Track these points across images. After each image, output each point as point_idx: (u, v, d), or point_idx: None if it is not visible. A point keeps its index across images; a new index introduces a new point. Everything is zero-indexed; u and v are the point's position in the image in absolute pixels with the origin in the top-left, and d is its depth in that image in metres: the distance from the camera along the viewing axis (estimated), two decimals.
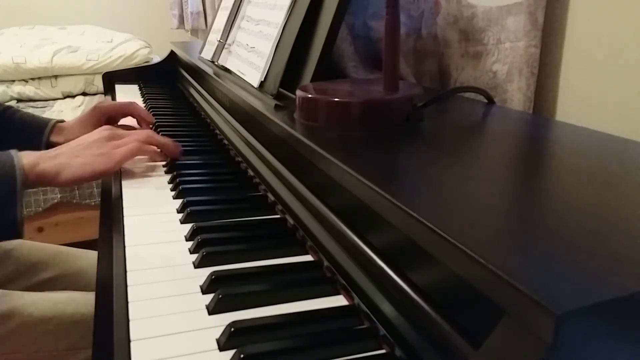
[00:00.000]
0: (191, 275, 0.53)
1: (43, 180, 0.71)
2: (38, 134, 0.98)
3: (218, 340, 0.42)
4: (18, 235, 0.66)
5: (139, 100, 1.39)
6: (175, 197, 0.73)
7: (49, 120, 1.01)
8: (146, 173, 0.83)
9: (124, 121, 1.12)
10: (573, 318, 0.24)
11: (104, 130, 0.79)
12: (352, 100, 0.62)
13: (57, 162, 0.72)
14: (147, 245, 0.59)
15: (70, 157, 0.73)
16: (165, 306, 0.48)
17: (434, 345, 0.36)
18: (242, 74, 0.88)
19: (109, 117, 1.10)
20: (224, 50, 1.04)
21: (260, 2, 0.92)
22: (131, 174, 0.82)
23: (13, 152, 0.70)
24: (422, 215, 0.35)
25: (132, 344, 0.42)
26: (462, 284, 0.31)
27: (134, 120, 1.11)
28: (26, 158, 0.69)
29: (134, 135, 0.80)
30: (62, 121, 1.03)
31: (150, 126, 1.10)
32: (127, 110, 1.10)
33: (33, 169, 0.69)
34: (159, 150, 0.85)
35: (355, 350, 0.41)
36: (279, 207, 0.66)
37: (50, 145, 1.01)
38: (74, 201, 2.02)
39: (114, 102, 1.15)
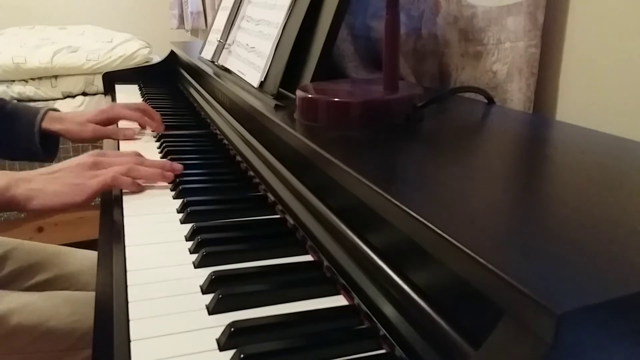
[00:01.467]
0: (191, 275, 0.53)
1: (12, 206, 0.68)
2: (30, 121, 0.97)
3: (218, 340, 0.42)
4: None
5: (139, 100, 1.39)
6: (175, 197, 0.73)
7: (41, 107, 1.01)
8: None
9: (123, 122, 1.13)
10: (573, 318, 0.24)
11: (89, 157, 0.75)
12: (352, 100, 0.62)
13: (30, 187, 0.68)
14: (147, 245, 0.59)
15: (45, 183, 0.69)
16: (165, 306, 0.47)
17: (434, 345, 0.36)
18: (242, 74, 0.88)
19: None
20: (224, 50, 1.04)
21: (260, 2, 0.92)
22: None
23: None
24: (422, 215, 0.35)
25: (132, 344, 0.42)
26: (462, 284, 0.31)
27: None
28: (1, 179, 0.66)
29: (115, 167, 0.74)
30: (55, 109, 1.02)
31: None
32: (138, 119, 1.08)
33: (3, 193, 0.66)
34: (138, 182, 0.75)
35: (355, 350, 0.41)
36: (279, 207, 0.66)
37: (44, 132, 0.99)
38: None
39: (129, 109, 1.09)
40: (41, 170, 0.72)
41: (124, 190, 0.74)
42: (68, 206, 0.70)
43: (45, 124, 0.98)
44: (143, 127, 1.09)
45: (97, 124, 1.04)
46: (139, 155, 0.79)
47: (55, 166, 0.74)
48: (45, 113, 0.98)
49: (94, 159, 0.75)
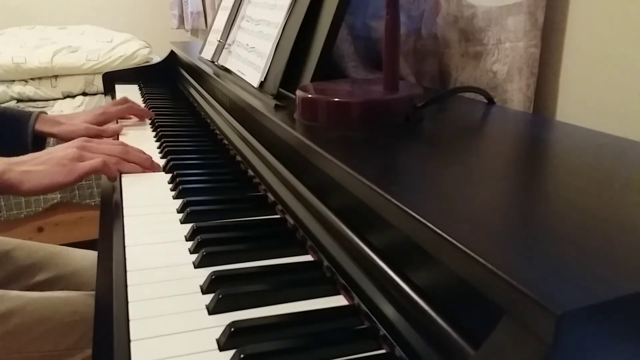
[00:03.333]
0: (191, 275, 0.53)
1: (9, 190, 0.71)
2: (23, 124, 0.99)
3: (218, 340, 0.42)
4: None
5: (139, 100, 1.39)
6: (175, 197, 0.73)
7: (32, 111, 1.03)
8: (146, 173, 0.83)
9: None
10: (573, 318, 0.24)
11: (76, 141, 0.80)
12: (352, 100, 0.62)
13: (22, 170, 0.72)
14: (147, 245, 0.59)
15: (35, 165, 0.74)
16: (165, 306, 0.47)
17: (434, 345, 0.36)
18: (242, 74, 0.88)
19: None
20: (224, 50, 1.04)
21: (260, 2, 0.92)
22: (131, 174, 0.82)
23: None
24: (422, 215, 0.35)
25: (132, 344, 0.42)
26: (462, 284, 0.31)
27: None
28: None
29: (104, 152, 0.80)
30: (45, 113, 1.04)
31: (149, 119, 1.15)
32: (126, 113, 1.12)
33: (1, 177, 0.70)
34: (116, 172, 0.81)
35: (355, 350, 0.41)
36: (279, 207, 0.66)
37: (37, 134, 1.02)
38: (74, 201, 2.02)
39: (116, 106, 1.15)
40: (32, 155, 0.77)
41: (123, 189, 0.74)
42: (57, 186, 0.74)
43: (38, 127, 1.01)
44: (141, 118, 1.16)
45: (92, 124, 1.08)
46: (124, 145, 0.85)
47: (44, 151, 0.78)
48: (38, 116, 1.00)
49: (81, 142, 0.80)
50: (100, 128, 1.07)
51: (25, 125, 0.99)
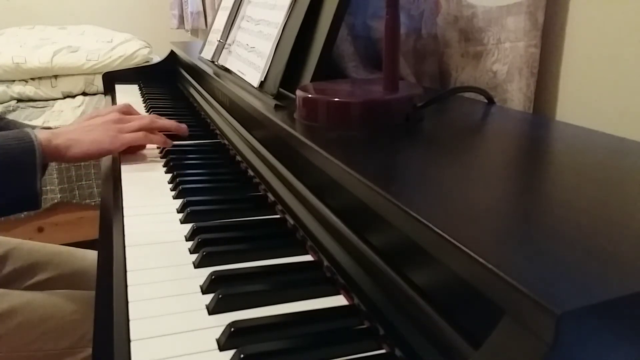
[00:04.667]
0: (191, 275, 0.53)
1: (55, 155, 0.77)
2: None
3: (218, 340, 0.42)
4: (37, 205, 0.72)
5: (139, 100, 1.39)
6: (175, 197, 0.73)
7: (35, 126, 1.02)
8: (146, 173, 0.83)
9: None
10: (574, 318, 0.24)
11: (112, 114, 0.86)
12: (352, 100, 0.62)
13: (68, 137, 0.78)
14: (147, 245, 0.59)
15: (80, 134, 0.80)
16: (165, 306, 0.48)
17: (434, 345, 0.36)
18: (242, 74, 0.88)
19: None
20: (224, 50, 1.04)
21: (260, 2, 0.92)
22: (131, 174, 0.82)
23: (29, 129, 0.75)
24: (422, 215, 0.35)
25: (132, 344, 0.42)
26: (462, 284, 0.31)
27: None
28: (41, 134, 0.75)
29: (138, 121, 0.87)
30: (49, 128, 1.03)
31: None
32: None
33: (49, 143, 0.75)
34: (162, 137, 0.90)
35: (355, 350, 0.41)
36: (279, 207, 0.66)
37: None
38: (74, 201, 2.02)
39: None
40: (74, 125, 0.84)
41: (123, 190, 0.74)
42: (104, 153, 0.83)
43: None
44: None
45: None
46: (155, 118, 0.91)
47: (85, 122, 0.85)
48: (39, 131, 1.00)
49: (117, 116, 0.87)
50: None
51: None
